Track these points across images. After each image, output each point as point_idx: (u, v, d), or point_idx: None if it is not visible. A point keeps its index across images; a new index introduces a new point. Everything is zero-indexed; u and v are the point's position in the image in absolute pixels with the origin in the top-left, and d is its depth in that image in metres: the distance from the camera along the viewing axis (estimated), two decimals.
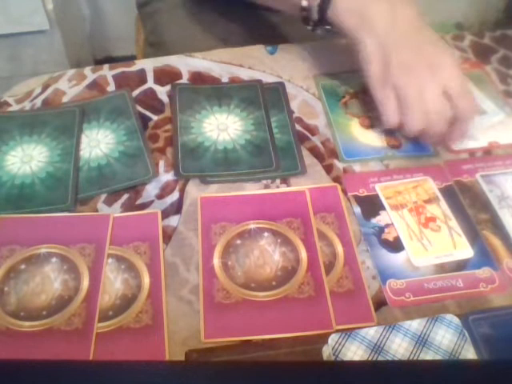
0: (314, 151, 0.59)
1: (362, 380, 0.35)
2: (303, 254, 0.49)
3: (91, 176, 0.55)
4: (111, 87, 0.65)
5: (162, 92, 0.65)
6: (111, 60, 1.64)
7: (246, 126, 0.61)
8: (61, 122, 0.60)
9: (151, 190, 0.55)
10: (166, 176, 0.56)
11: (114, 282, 0.47)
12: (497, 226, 0.53)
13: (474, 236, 0.52)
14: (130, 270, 0.48)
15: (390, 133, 0.61)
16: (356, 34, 0.58)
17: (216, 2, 0.80)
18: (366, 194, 0.55)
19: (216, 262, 0.49)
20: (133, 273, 0.48)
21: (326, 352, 0.41)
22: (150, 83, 0.66)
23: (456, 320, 0.42)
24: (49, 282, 0.47)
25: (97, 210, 0.53)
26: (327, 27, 0.61)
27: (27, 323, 0.44)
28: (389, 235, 0.52)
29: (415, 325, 0.41)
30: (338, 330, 0.44)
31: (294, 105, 0.64)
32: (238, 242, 0.50)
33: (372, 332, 0.41)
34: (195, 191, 0.55)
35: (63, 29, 1.40)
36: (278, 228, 0.51)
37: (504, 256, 0.50)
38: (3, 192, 0.54)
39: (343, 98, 0.65)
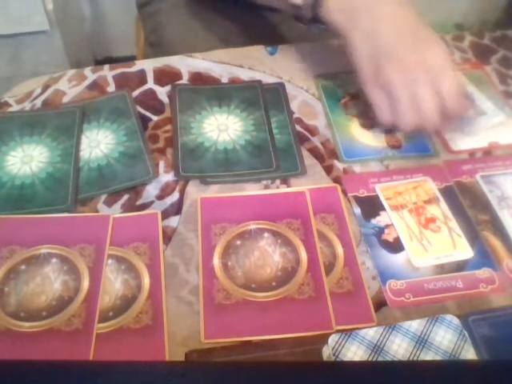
0: (314, 152, 0.59)
1: (362, 380, 0.35)
2: (303, 255, 0.49)
3: (91, 176, 0.56)
4: (111, 88, 0.65)
5: (162, 92, 0.65)
6: (111, 60, 1.64)
7: (246, 127, 0.61)
8: (61, 123, 0.60)
9: (151, 190, 0.55)
10: (166, 176, 0.56)
11: (114, 283, 0.47)
12: (497, 227, 0.53)
13: (473, 237, 0.52)
14: (130, 270, 0.48)
15: (390, 133, 0.61)
16: (347, 33, 0.57)
17: (216, 2, 0.80)
18: (366, 194, 0.55)
19: (216, 262, 0.49)
20: (133, 273, 0.48)
21: (326, 352, 0.41)
22: (150, 84, 0.66)
23: (456, 320, 0.42)
24: (49, 282, 0.47)
25: (97, 211, 0.53)
26: (321, 26, 0.61)
27: (27, 324, 0.44)
28: (389, 236, 0.52)
29: (415, 325, 0.41)
30: (338, 331, 0.44)
31: (294, 105, 0.64)
32: (238, 242, 0.50)
33: (372, 332, 0.41)
34: (195, 192, 0.55)
35: (63, 29, 1.40)
36: (278, 229, 0.51)
37: (504, 256, 0.50)
38: (3, 192, 0.54)
39: (343, 98, 0.65)
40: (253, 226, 0.52)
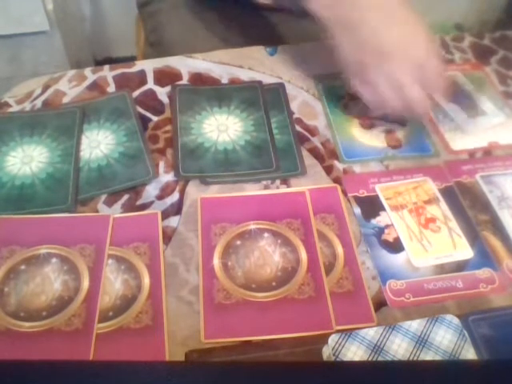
0: (314, 152, 0.59)
1: (362, 380, 0.35)
2: (303, 255, 0.49)
3: (91, 177, 0.56)
4: (111, 88, 0.65)
5: (162, 93, 0.65)
6: (111, 61, 1.65)
7: (246, 127, 0.61)
8: (61, 123, 0.60)
9: (151, 190, 0.55)
10: (166, 177, 0.56)
11: (114, 283, 0.47)
12: (497, 227, 0.53)
13: (473, 237, 0.52)
14: (130, 270, 0.48)
15: (390, 132, 0.61)
16: (329, 24, 0.57)
17: (216, 2, 0.80)
18: (366, 194, 0.55)
19: (216, 262, 0.49)
20: (133, 273, 0.48)
21: (326, 352, 0.41)
22: (150, 84, 0.66)
23: (456, 320, 0.42)
24: (49, 282, 0.47)
25: (97, 211, 0.53)
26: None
27: (27, 324, 0.44)
28: (389, 236, 0.52)
29: (415, 325, 0.41)
30: (338, 331, 0.44)
31: (293, 105, 0.64)
32: (238, 242, 0.50)
33: (372, 332, 0.41)
34: (195, 192, 0.55)
35: (63, 29, 1.40)
36: (278, 229, 0.51)
37: (504, 257, 0.50)
38: (3, 193, 0.54)
39: (343, 98, 0.65)
40: (253, 226, 0.52)
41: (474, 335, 0.42)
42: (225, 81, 0.67)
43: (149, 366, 0.36)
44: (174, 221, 0.52)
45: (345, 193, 0.55)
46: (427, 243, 0.51)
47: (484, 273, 0.49)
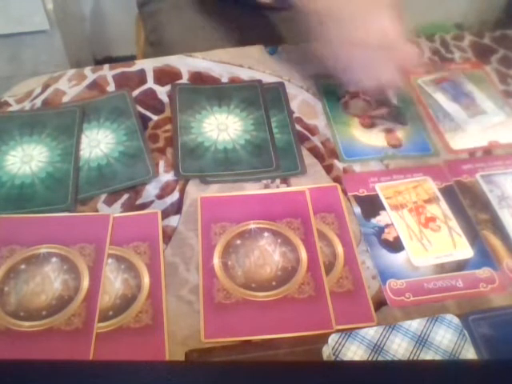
0: (314, 151, 0.59)
1: (362, 380, 0.35)
2: (303, 254, 0.49)
3: (91, 176, 0.55)
4: (111, 87, 0.65)
5: (162, 92, 0.65)
6: (111, 60, 1.64)
7: (246, 126, 0.61)
8: (61, 122, 0.60)
9: (151, 190, 0.55)
10: (166, 176, 0.56)
11: (114, 282, 0.47)
12: (497, 226, 0.53)
13: (473, 236, 0.52)
14: (130, 269, 0.48)
15: (390, 132, 0.61)
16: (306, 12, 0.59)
17: (217, 2, 0.80)
18: (366, 193, 0.55)
19: (216, 262, 0.49)
20: (133, 273, 0.48)
21: (326, 352, 0.41)
22: (150, 83, 0.66)
23: (456, 320, 0.42)
24: (49, 281, 0.47)
25: (97, 210, 0.53)
26: None
27: (27, 323, 0.44)
28: (389, 235, 0.52)
29: (415, 325, 0.41)
30: (338, 330, 0.44)
31: (293, 105, 0.64)
32: (238, 242, 0.50)
33: (372, 332, 0.41)
34: (195, 191, 0.55)
35: (63, 29, 1.40)
36: (278, 228, 0.51)
37: (504, 256, 0.50)
38: (3, 192, 0.54)
39: (343, 97, 0.65)
40: (253, 225, 0.52)
41: (473, 335, 0.42)
42: (225, 80, 0.67)
43: (149, 366, 0.36)
44: (173, 220, 0.52)
45: (345, 192, 0.55)
46: (427, 242, 0.51)
47: (484, 272, 0.49)
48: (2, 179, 0.55)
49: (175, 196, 0.54)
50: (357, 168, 0.58)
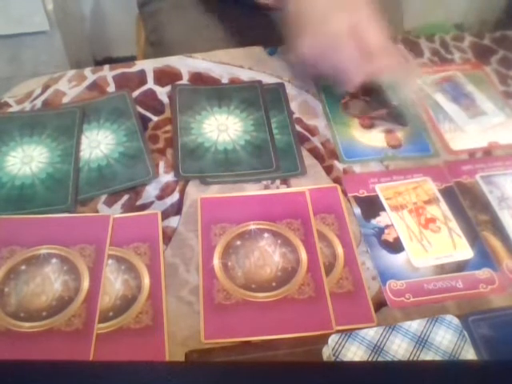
0: (314, 152, 0.59)
1: (362, 380, 0.35)
2: (303, 255, 0.49)
3: (91, 177, 0.56)
4: (111, 88, 0.65)
5: (162, 93, 0.65)
6: (111, 61, 1.65)
7: (246, 127, 0.61)
8: (61, 123, 0.60)
9: (151, 190, 0.55)
10: (166, 177, 0.56)
11: (114, 283, 0.47)
12: (497, 227, 0.53)
13: (473, 237, 0.52)
14: (130, 270, 0.48)
15: (390, 132, 0.61)
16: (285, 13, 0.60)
17: (217, 2, 0.80)
18: (366, 194, 0.55)
19: (216, 262, 0.49)
20: (133, 273, 0.48)
21: (326, 353, 0.41)
22: (150, 84, 0.66)
23: (456, 321, 0.42)
24: (49, 282, 0.47)
25: (97, 211, 0.53)
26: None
27: (27, 324, 0.44)
28: (389, 236, 0.52)
29: (415, 325, 0.41)
30: (338, 331, 0.44)
31: (293, 105, 0.64)
32: (238, 242, 0.50)
33: (372, 333, 0.41)
34: (195, 192, 0.55)
35: (63, 29, 1.40)
36: (278, 229, 0.51)
37: (504, 257, 0.50)
38: (3, 193, 0.54)
39: (343, 98, 0.65)
40: (253, 226, 0.52)
41: (473, 335, 0.42)
42: (225, 81, 0.67)
43: (149, 366, 0.36)
44: (174, 221, 0.52)
45: (345, 193, 0.55)
46: (427, 243, 0.51)
47: (484, 273, 0.49)
48: (2, 180, 0.55)
49: (175, 197, 0.55)
50: (357, 169, 0.58)
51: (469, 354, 0.40)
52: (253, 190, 0.56)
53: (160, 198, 0.54)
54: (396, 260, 0.50)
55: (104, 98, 0.64)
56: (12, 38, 1.35)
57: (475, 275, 0.49)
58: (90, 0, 1.63)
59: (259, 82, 0.66)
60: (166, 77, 0.67)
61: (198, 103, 0.63)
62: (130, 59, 0.71)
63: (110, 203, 0.54)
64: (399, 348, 0.40)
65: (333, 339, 0.40)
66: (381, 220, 0.53)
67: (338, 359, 0.39)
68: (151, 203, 0.54)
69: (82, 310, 0.45)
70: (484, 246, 0.51)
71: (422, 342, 0.41)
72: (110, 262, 0.49)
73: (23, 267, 0.48)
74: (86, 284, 0.47)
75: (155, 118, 0.62)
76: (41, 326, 0.44)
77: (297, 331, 0.45)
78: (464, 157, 0.60)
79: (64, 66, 1.44)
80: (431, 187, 0.56)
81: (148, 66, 0.68)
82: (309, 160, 0.58)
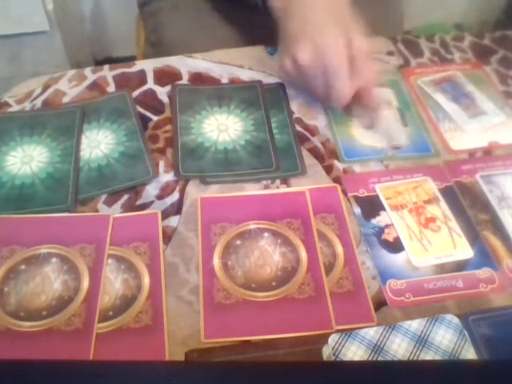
0: (314, 152, 0.59)
1: (362, 380, 0.35)
2: (303, 255, 0.49)
3: (91, 176, 0.56)
4: (111, 88, 0.65)
5: (162, 92, 0.65)
6: (111, 61, 1.65)
7: (246, 127, 0.61)
8: (61, 123, 0.60)
9: (151, 190, 0.55)
10: (166, 176, 0.56)
11: (114, 283, 0.47)
12: (497, 227, 0.53)
13: (473, 236, 0.52)
14: (130, 270, 0.48)
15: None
16: (281, 21, 0.62)
17: (217, 2, 0.80)
18: (366, 194, 0.55)
19: (216, 262, 0.49)
20: (133, 273, 0.48)
21: (326, 352, 0.41)
22: (150, 84, 0.66)
23: (456, 320, 0.42)
24: (49, 282, 0.47)
25: (97, 211, 0.53)
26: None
27: (27, 323, 0.44)
28: (389, 236, 0.52)
29: (415, 325, 0.41)
30: (338, 331, 0.44)
31: (293, 105, 0.64)
32: (238, 242, 0.50)
33: (372, 332, 0.41)
34: (195, 192, 0.55)
35: (63, 29, 1.40)
36: (278, 228, 0.51)
37: (504, 256, 0.50)
38: (3, 192, 0.54)
39: None
40: (253, 225, 0.52)
41: (473, 335, 0.42)
42: (225, 80, 0.67)
43: (149, 366, 0.36)
44: (173, 220, 0.52)
45: (345, 192, 0.55)
46: (427, 243, 0.51)
47: (484, 272, 0.49)
48: (3, 180, 0.55)
49: (175, 196, 0.55)
50: (357, 168, 0.58)
51: (469, 353, 0.40)
52: (253, 189, 0.56)
53: (160, 197, 0.54)
54: (396, 259, 0.50)
55: (104, 98, 0.64)
56: (12, 38, 1.35)
57: (475, 275, 0.49)
58: (89, 0, 1.63)
59: (259, 81, 0.66)
60: (165, 77, 0.67)
61: (198, 103, 0.63)
62: (130, 59, 0.71)
63: (109, 203, 0.54)
64: (399, 348, 0.40)
65: (333, 339, 0.40)
66: (381, 219, 0.53)
67: (337, 359, 0.39)
68: (151, 203, 0.54)
69: (82, 309, 0.45)
70: (484, 246, 0.51)
71: (422, 341, 0.41)
72: (109, 261, 0.49)
73: (23, 267, 0.48)
74: (85, 283, 0.47)
75: (155, 118, 0.62)
76: (41, 326, 0.44)
77: (297, 331, 0.45)
78: (464, 156, 0.60)
79: (64, 65, 1.44)
80: (431, 187, 0.56)
81: (148, 65, 0.68)
82: (309, 160, 0.58)
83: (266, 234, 0.51)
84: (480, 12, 1.83)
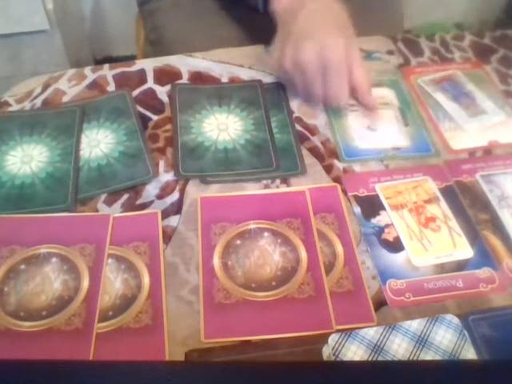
0: (314, 151, 0.59)
1: (362, 380, 0.35)
2: (303, 254, 0.49)
3: (91, 176, 0.55)
4: (111, 87, 0.65)
5: (162, 92, 0.65)
6: (111, 60, 1.65)
7: (246, 126, 0.61)
8: (61, 122, 0.60)
9: (151, 190, 0.55)
10: (166, 176, 0.56)
11: (114, 282, 0.47)
12: (497, 226, 0.53)
13: (473, 236, 0.52)
14: (130, 270, 0.48)
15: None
16: (281, 25, 0.63)
17: (217, 1, 0.80)
18: (366, 194, 0.55)
19: (216, 262, 0.49)
20: (133, 273, 0.48)
21: (326, 352, 0.41)
22: (150, 83, 0.66)
23: (456, 320, 0.42)
24: (49, 282, 0.47)
25: (97, 210, 0.53)
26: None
27: (27, 323, 0.44)
28: (389, 235, 0.52)
29: (415, 325, 0.41)
30: (338, 330, 0.44)
31: (293, 105, 0.64)
32: (238, 242, 0.50)
33: (372, 332, 0.41)
34: (195, 191, 0.55)
35: (63, 29, 1.40)
36: (277, 228, 0.51)
37: (504, 256, 0.50)
38: (3, 192, 0.54)
39: None
40: (253, 225, 0.52)
41: (473, 335, 0.42)
42: (225, 80, 0.67)
43: (149, 366, 0.36)
44: (173, 220, 0.52)
45: (345, 192, 0.55)
46: (427, 242, 0.51)
47: (484, 272, 0.49)
48: (2, 179, 0.55)
49: (175, 196, 0.54)
50: (357, 168, 0.58)
51: (469, 353, 0.40)
52: (253, 189, 0.55)
53: (160, 197, 0.54)
54: (396, 259, 0.50)
55: (104, 97, 0.64)
56: (12, 38, 1.35)
57: (475, 274, 0.49)
58: (89, 0, 1.63)
59: (259, 81, 0.66)
60: (165, 76, 0.67)
61: (198, 102, 0.63)
62: (130, 58, 0.71)
63: (109, 202, 0.54)
64: (399, 347, 0.40)
65: (333, 339, 0.40)
66: (381, 219, 0.53)
67: (337, 359, 0.39)
68: (151, 202, 0.54)
69: (82, 309, 0.45)
70: (484, 245, 0.51)
71: (422, 341, 0.41)
72: (109, 261, 0.49)
73: (23, 266, 0.48)
74: (85, 283, 0.47)
75: (155, 117, 0.62)
76: (40, 326, 0.44)
77: (297, 330, 0.45)
78: (464, 156, 0.60)
79: (64, 65, 1.44)
80: (431, 186, 0.56)
81: (148, 65, 0.68)
82: (309, 159, 0.58)
83: (265, 234, 0.51)
84: (480, 11, 1.82)
